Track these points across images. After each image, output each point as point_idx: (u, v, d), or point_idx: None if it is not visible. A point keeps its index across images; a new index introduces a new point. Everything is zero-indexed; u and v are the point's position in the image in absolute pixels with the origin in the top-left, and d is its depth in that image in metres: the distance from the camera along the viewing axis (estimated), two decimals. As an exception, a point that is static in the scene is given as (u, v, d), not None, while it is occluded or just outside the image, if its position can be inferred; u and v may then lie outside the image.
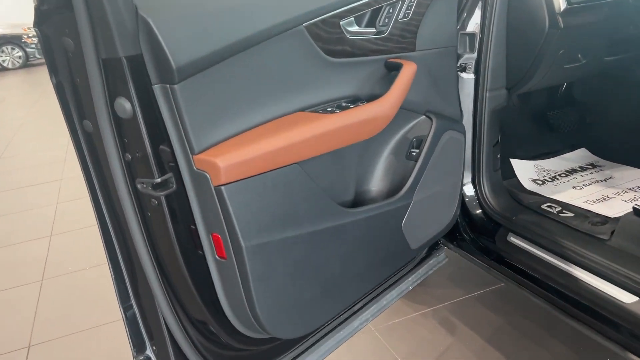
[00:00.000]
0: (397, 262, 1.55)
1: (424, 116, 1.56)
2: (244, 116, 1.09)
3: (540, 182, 2.09)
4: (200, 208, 1.07)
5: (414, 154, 1.52)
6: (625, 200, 1.87)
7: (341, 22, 1.27)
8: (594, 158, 2.27)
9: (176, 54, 0.94)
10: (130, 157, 1.03)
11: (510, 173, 2.14)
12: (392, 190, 1.50)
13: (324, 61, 1.25)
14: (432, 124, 1.54)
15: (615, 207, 1.82)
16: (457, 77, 1.72)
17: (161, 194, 1.02)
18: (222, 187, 1.02)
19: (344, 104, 1.30)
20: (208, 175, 1.01)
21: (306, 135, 1.12)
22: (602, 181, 2.06)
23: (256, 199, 1.07)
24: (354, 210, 1.31)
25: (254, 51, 1.09)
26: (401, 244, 1.51)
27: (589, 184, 2.04)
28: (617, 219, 1.72)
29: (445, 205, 1.65)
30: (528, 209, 1.87)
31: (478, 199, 1.93)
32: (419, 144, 1.54)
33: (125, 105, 0.96)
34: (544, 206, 1.88)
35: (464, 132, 1.70)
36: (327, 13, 1.21)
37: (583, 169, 2.18)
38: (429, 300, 2.40)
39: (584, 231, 1.69)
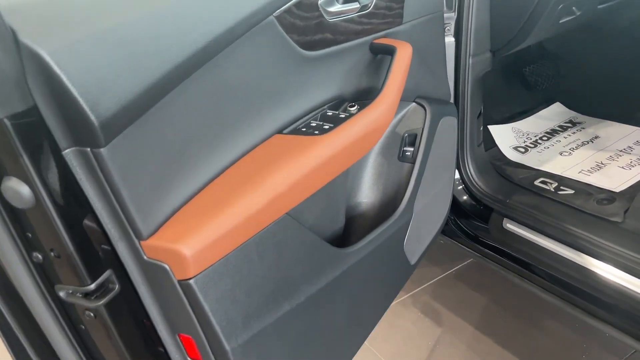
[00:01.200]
0: (399, 288, 1.29)
1: (413, 104, 1.27)
2: (204, 165, 0.76)
3: (523, 150, 1.87)
4: (159, 307, 0.74)
5: (408, 153, 1.23)
6: (622, 167, 1.68)
7: (319, 1, 0.93)
8: (571, 114, 2.07)
9: (96, 101, 0.59)
10: (41, 257, 0.68)
11: (488, 142, 1.90)
12: (388, 203, 1.22)
13: (300, 58, 0.92)
14: (425, 114, 1.25)
15: (615, 177, 1.63)
16: (445, 48, 1.42)
17: (99, 303, 0.68)
18: (191, 281, 0.69)
19: (329, 113, 0.98)
20: (168, 267, 0.68)
21: (294, 177, 0.80)
22: (588, 143, 1.87)
23: (238, 281, 0.75)
24: (353, 249, 1.02)
25: (208, 69, 0.74)
26: (403, 266, 1.25)
27: (576, 148, 1.84)
28: (623, 194, 1.54)
29: (441, 204, 1.39)
30: (521, 187, 1.65)
31: (464, 181, 1.68)
32: (413, 140, 1.24)
33: (20, 190, 0.60)
34: (537, 182, 1.66)
35: (456, 115, 1.42)
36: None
37: (563, 128, 1.98)
38: (406, 283, 2.19)
39: (591, 212, 1.49)
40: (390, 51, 1.07)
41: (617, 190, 1.56)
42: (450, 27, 1.53)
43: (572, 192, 1.59)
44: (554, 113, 2.08)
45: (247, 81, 0.82)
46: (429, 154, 1.23)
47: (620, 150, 1.78)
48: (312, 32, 0.93)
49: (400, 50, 1.07)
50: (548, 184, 1.65)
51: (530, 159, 1.82)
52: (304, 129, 0.91)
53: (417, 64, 1.25)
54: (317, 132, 0.90)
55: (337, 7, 0.97)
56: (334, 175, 0.90)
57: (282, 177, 0.79)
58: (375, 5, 1.06)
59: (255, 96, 0.84)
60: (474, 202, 1.68)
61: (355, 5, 1.01)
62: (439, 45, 1.33)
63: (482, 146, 1.75)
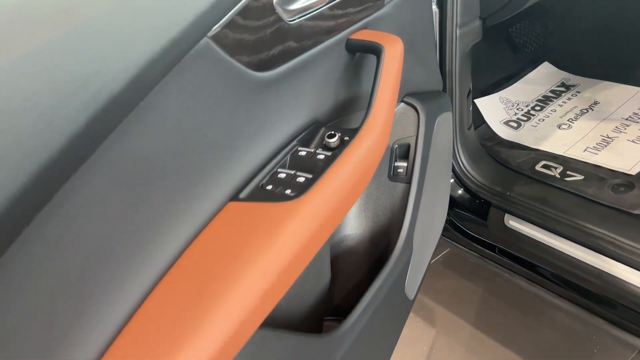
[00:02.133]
0: (400, 328, 1.06)
1: (402, 104, 1.00)
2: (130, 281, 0.49)
3: (515, 125, 1.64)
4: None
5: (401, 170, 0.98)
6: (633, 141, 1.47)
7: (274, 1, 0.64)
8: (562, 74, 1.84)
9: None
10: None
11: (474, 118, 1.66)
12: (380, 235, 0.97)
13: (254, 85, 0.64)
14: (418, 116, 0.99)
15: (627, 154, 1.42)
16: (433, 26, 1.15)
17: None
18: None
19: (302, 152, 0.71)
20: None
21: (264, 280, 0.54)
22: (587, 110, 1.65)
23: None
24: (347, 326, 0.77)
25: (111, 145, 0.46)
26: (404, 307, 1.02)
27: (576, 119, 1.62)
28: (642, 178, 1.33)
29: (438, 218, 1.15)
30: (521, 174, 1.43)
31: (455, 173, 1.45)
32: (405, 152, 0.99)
33: None
34: (539, 167, 1.44)
35: (451, 107, 1.17)
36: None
37: (556, 93, 1.75)
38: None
39: (606, 204, 1.28)
40: (374, 50, 0.79)
41: (634, 172, 1.35)
42: (432, -6, 1.25)
43: (581, 177, 1.38)
44: (543, 75, 1.84)
45: (179, 139, 0.55)
46: (426, 167, 0.98)
47: (626, 119, 1.57)
48: (269, 45, 0.64)
49: (388, 49, 0.79)
50: (552, 168, 1.43)
51: (525, 136, 1.59)
52: (270, 187, 0.64)
53: (406, 52, 0.98)
54: (289, 190, 0.63)
55: (300, 3, 0.68)
56: (319, 247, 0.64)
57: (248, 287, 0.52)
58: (350, -12, 0.77)
59: (194, 155, 0.57)
60: (468, 196, 1.45)
61: None
62: (428, 24, 1.05)
63: (473, 129, 1.50)
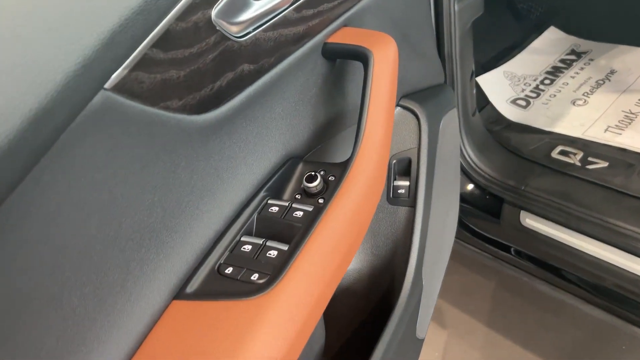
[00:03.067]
0: None
1: (398, 109, 0.82)
2: None
3: (524, 103, 1.45)
4: None
5: (402, 191, 0.80)
6: (660, 116, 1.30)
7: (213, 14, 0.46)
8: (571, 40, 1.64)
9: None
10: None
11: (478, 98, 1.47)
12: (382, 270, 0.80)
13: (194, 132, 0.46)
14: (418, 122, 0.81)
15: (656, 133, 1.25)
16: (430, 8, 0.96)
17: None
18: None
19: (273, 209, 0.53)
20: None
21: None
22: (604, 82, 1.46)
23: None
24: None
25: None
26: (414, 353, 0.86)
27: (592, 92, 1.43)
28: (677, 162, 1.16)
29: (448, 238, 0.98)
30: (536, 164, 1.25)
31: (462, 167, 1.27)
32: (406, 167, 0.81)
33: None
34: (556, 154, 1.26)
35: (455, 102, 0.99)
36: (169, 11, 0.40)
37: (567, 63, 1.56)
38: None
39: (638, 195, 1.11)
40: (360, 57, 0.61)
41: (666, 155, 1.18)
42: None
43: (605, 164, 1.20)
44: (550, 42, 1.65)
45: (82, 238, 0.37)
46: (432, 184, 0.81)
47: (649, 90, 1.39)
48: (211, 77, 0.46)
49: (378, 53, 0.60)
50: (570, 154, 1.25)
51: (536, 116, 1.40)
52: (230, 271, 0.47)
53: (398, 42, 0.80)
54: (255, 276, 0.46)
55: (253, 10, 0.49)
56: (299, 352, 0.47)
57: None
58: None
59: (109, 253, 0.39)
60: (478, 192, 1.28)
61: None
62: (423, 7, 0.86)
63: (477, 114, 1.32)
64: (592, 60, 1.55)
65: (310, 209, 0.51)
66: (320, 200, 0.54)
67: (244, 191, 0.51)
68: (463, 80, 1.20)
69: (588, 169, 1.20)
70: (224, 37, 0.46)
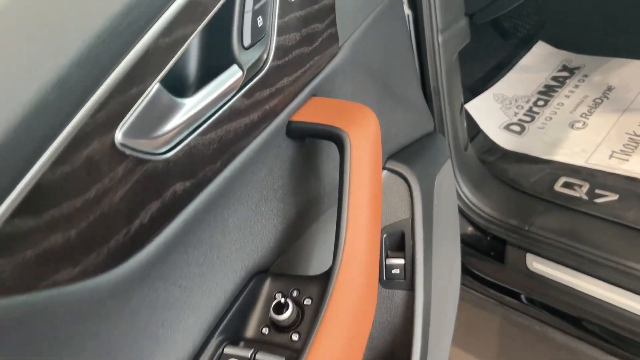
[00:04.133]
0: None
1: (385, 172, 0.71)
2: None
3: (518, 129, 1.35)
4: None
5: (397, 270, 0.68)
6: (668, 137, 1.19)
7: (118, 137, 0.33)
8: (562, 55, 1.54)
9: None
10: None
11: (467, 126, 1.36)
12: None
13: (104, 301, 0.33)
14: (410, 188, 0.70)
15: (665, 157, 1.15)
16: (413, 50, 0.85)
17: None
18: None
19: None
20: None
21: None
22: (602, 100, 1.35)
23: None
24: None
25: None
26: None
27: (590, 113, 1.33)
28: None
29: (451, 312, 0.86)
30: (539, 199, 1.14)
31: (459, 209, 1.16)
32: (399, 241, 0.69)
33: None
34: (559, 187, 1.15)
35: (449, 154, 0.88)
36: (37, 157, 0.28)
37: (559, 81, 1.46)
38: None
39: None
40: (333, 138, 0.49)
41: (680, 184, 1.08)
42: (401, -8, 0.94)
43: (615, 197, 1.10)
44: (540, 58, 1.55)
45: None
46: (431, 261, 0.69)
47: (652, 107, 1.29)
48: (124, 219, 0.33)
49: (354, 135, 0.49)
50: (575, 187, 1.14)
51: (532, 143, 1.30)
52: None
53: (379, 96, 0.69)
54: None
55: (182, 114, 0.37)
56: None
57: None
58: (279, 45, 0.46)
59: None
60: (478, 233, 1.17)
61: (235, 74, 0.41)
62: (404, 45, 0.75)
63: (470, 147, 1.21)
64: (586, 76, 1.45)
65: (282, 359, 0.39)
66: (295, 337, 0.42)
67: (190, 343, 0.39)
68: (452, 116, 1.09)
69: (597, 203, 1.09)
70: (139, 161, 0.34)
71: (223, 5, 0.39)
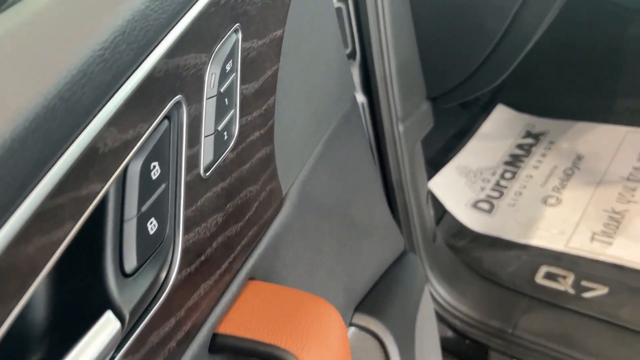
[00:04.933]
0: None
1: (352, 329, 0.55)
2: None
3: (487, 206, 1.23)
4: None
5: None
6: (650, 215, 1.09)
7: None
8: (524, 119, 1.45)
9: None
10: None
11: (434, 208, 1.22)
12: None
13: None
14: (385, 351, 0.55)
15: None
16: (374, 166, 0.72)
17: None
18: None
19: None
20: None
21: None
22: (572, 172, 1.25)
23: None
24: None
25: None
26: None
27: (563, 187, 1.22)
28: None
29: None
30: (520, 294, 1.01)
31: (435, 312, 1.01)
32: None
33: None
34: (541, 279, 1.03)
35: (426, 279, 0.73)
36: None
37: (525, 149, 1.36)
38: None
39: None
40: None
41: (674, 273, 0.97)
42: (354, 77, 0.82)
43: (605, 290, 0.98)
44: (502, 124, 1.45)
45: None
46: None
47: (627, 178, 1.19)
48: None
49: (306, 351, 0.33)
50: (559, 278, 1.02)
51: (504, 223, 1.18)
52: None
53: (338, 237, 0.54)
54: None
55: None
56: None
57: None
58: (187, 249, 0.31)
59: None
60: (455, 338, 1.03)
61: (107, 327, 0.25)
62: (366, 165, 0.61)
63: (439, 237, 1.08)
64: (552, 143, 1.35)
65: None
66: None
67: None
68: (418, 208, 0.96)
69: (585, 299, 0.97)
70: None
71: (87, 220, 0.24)
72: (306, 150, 0.45)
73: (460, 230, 1.19)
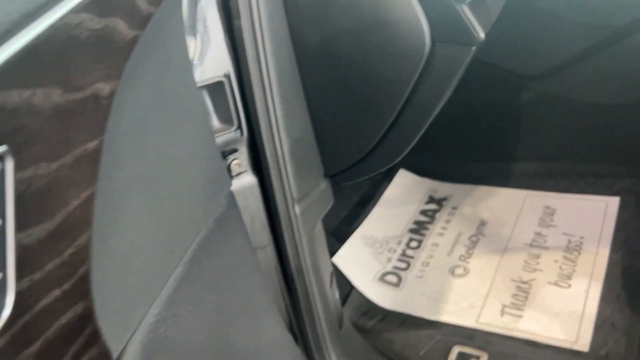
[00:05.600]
0: None
1: None
2: None
3: (395, 279, 1.16)
4: None
5: None
6: (556, 283, 1.06)
7: None
8: (426, 184, 1.42)
9: None
10: None
11: (339, 283, 1.14)
12: None
13: None
14: None
15: (560, 309, 1.01)
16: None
17: None
18: None
19: None
20: None
21: None
22: (477, 239, 1.22)
23: None
24: None
25: None
26: None
27: (469, 255, 1.18)
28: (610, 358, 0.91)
29: None
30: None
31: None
32: None
33: None
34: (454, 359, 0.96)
35: None
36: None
37: (429, 215, 1.32)
38: None
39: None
40: None
41: (584, 346, 0.93)
42: (242, 155, 0.72)
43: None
44: (404, 189, 1.41)
45: None
46: None
47: (530, 244, 1.17)
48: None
49: None
50: (472, 359, 0.96)
51: (413, 298, 1.11)
52: None
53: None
54: None
55: None
56: None
57: None
58: None
59: None
60: None
61: None
62: (249, 282, 0.51)
63: (346, 321, 0.99)
64: (455, 208, 1.33)
65: None
66: None
67: None
68: (322, 295, 0.87)
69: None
70: None
71: None
72: (155, 284, 0.34)
73: (369, 309, 1.11)
